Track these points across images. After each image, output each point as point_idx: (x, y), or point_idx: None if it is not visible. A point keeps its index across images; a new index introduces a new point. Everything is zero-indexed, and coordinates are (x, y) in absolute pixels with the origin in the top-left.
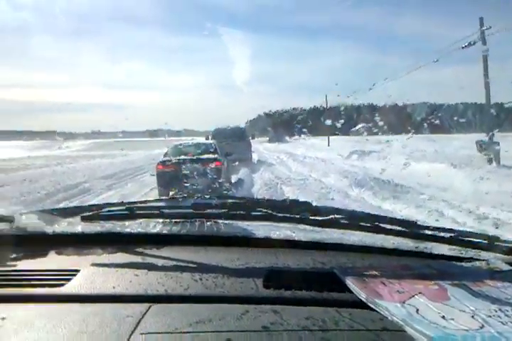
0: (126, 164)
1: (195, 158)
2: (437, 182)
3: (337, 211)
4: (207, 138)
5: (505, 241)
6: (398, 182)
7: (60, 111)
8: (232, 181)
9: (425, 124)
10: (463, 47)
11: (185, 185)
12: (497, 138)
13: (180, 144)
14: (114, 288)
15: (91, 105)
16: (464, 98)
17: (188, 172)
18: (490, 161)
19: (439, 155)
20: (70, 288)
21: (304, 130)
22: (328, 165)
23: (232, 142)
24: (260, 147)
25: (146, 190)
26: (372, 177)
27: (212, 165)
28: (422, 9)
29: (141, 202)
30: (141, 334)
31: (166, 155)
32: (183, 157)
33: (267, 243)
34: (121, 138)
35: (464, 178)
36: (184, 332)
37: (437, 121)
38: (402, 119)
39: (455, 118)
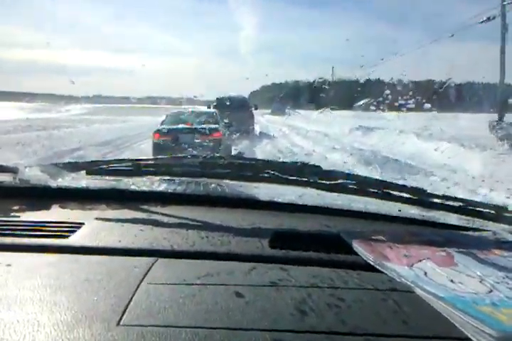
0: (125, 130)
1: (194, 127)
2: (447, 163)
3: (347, 176)
4: (208, 107)
5: None
6: (406, 162)
7: (64, 74)
8: (233, 154)
9: (430, 102)
10: (481, 22)
11: None
12: (507, 120)
13: (180, 112)
14: (119, 241)
15: (94, 69)
16: (473, 77)
17: (185, 142)
18: (502, 143)
19: (446, 134)
20: (75, 239)
21: (307, 103)
22: (332, 141)
23: (235, 112)
24: (262, 119)
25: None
26: (379, 156)
27: (213, 136)
28: None
29: (147, 159)
30: (150, 284)
31: (163, 123)
32: (181, 126)
33: (274, 206)
34: (123, 103)
35: (475, 160)
36: (193, 284)
37: (443, 99)
38: (407, 96)
39: (461, 97)
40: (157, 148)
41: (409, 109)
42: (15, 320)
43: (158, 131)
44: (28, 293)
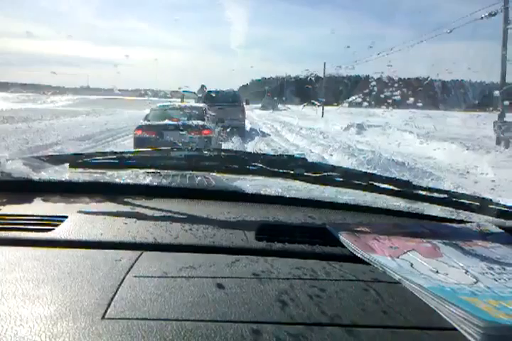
0: (109, 124)
1: (181, 123)
2: (455, 167)
3: (332, 168)
4: (181, 99)
5: (496, 204)
6: (412, 165)
7: (51, 65)
8: None
9: (422, 99)
10: (482, 18)
11: None
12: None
13: (166, 106)
14: (101, 234)
15: (83, 60)
16: (467, 76)
17: (171, 140)
18: (507, 144)
19: (444, 133)
20: (58, 233)
21: (298, 98)
22: (327, 139)
23: (225, 107)
24: (252, 114)
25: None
26: (381, 157)
27: (201, 134)
28: None
29: (132, 152)
30: (135, 277)
31: (146, 118)
32: (166, 122)
33: (259, 198)
34: (110, 95)
35: (485, 163)
36: (176, 277)
37: (435, 97)
38: (398, 93)
39: (453, 94)
40: (139, 146)
41: (400, 106)
42: None
43: (140, 127)
44: (10, 287)
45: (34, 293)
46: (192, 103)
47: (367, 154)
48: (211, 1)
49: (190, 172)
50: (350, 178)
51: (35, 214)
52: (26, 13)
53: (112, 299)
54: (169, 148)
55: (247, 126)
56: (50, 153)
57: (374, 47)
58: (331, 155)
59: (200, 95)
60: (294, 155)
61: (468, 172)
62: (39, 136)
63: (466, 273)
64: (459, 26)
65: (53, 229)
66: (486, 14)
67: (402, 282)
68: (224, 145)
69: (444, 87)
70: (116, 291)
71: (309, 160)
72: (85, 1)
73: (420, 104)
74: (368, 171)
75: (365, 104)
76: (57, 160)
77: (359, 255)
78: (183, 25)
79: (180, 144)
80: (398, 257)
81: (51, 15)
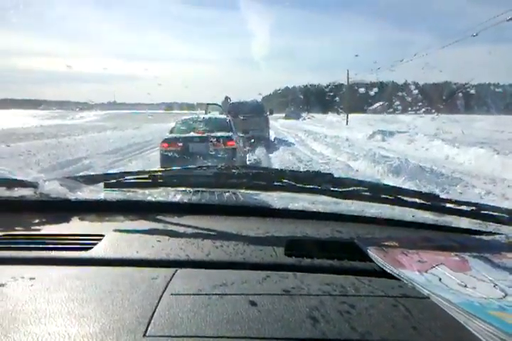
0: (136, 137)
1: (206, 135)
2: (485, 172)
3: (359, 183)
4: (206, 111)
5: None
6: (440, 171)
7: (79, 81)
8: (248, 163)
9: (446, 104)
10: (507, 20)
11: None
12: None
13: (190, 119)
14: (137, 252)
15: (109, 76)
16: (491, 79)
17: (197, 152)
18: None
19: (471, 138)
20: (97, 251)
21: (321, 106)
22: (352, 147)
23: (249, 118)
24: (276, 123)
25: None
26: (408, 164)
27: (226, 145)
28: None
29: (163, 171)
30: (172, 295)
31: (172, 131)
32: (192, 134)
33: (288, 213)
34: (136, 109)
35: None
36: (211, 294)
37: (459, 102)
38: (421, 99)
39: (478, 99)
40: (165, 159)
41: (425, 112)
42: (46, 333)
43: (166, 140)
44: (56, 306)
45: (79, 312)
46: (216, 115)
47: (393, 161)
48: (234, 16)
49: (219, 189)
50: (377, 192)
51: (73, 233)
52: (53, 32)
53: (151, 317)
54: (198, 166)
55: (272, 136)
56: (83, 173)
57: (397, 54)
58: (357, 169)
59: (224, 107)
60: (320, 171)
61: (498, 178)
62: (68, 151)
63: (494, 286)
64: (484, 29)
65: (92, 247)
66: (511, 17)
67: (431, 297)
68: (249, 156)
69: (469, 91)
70: (155, 309)
71: (335, 170)
72: (111, 18)
73: (446, 109)
74: (395, 185)
75: (390, 110)
76: (91, 180)
77: (388, 270)
78: (207, 38)
79: (204, 157)
80: (427, 271)
81: (79, 34)
